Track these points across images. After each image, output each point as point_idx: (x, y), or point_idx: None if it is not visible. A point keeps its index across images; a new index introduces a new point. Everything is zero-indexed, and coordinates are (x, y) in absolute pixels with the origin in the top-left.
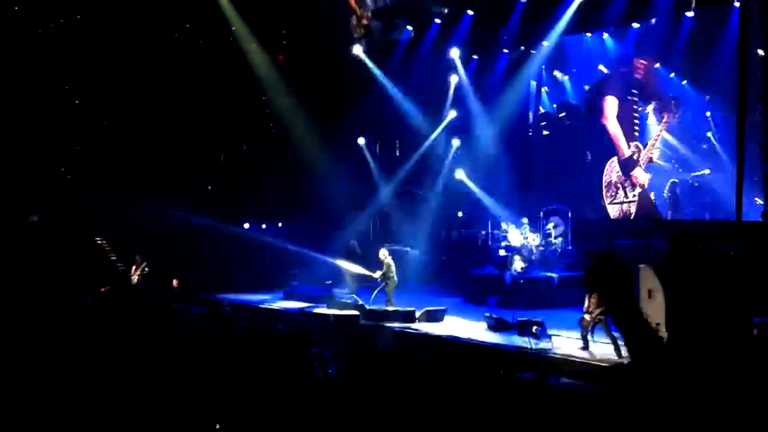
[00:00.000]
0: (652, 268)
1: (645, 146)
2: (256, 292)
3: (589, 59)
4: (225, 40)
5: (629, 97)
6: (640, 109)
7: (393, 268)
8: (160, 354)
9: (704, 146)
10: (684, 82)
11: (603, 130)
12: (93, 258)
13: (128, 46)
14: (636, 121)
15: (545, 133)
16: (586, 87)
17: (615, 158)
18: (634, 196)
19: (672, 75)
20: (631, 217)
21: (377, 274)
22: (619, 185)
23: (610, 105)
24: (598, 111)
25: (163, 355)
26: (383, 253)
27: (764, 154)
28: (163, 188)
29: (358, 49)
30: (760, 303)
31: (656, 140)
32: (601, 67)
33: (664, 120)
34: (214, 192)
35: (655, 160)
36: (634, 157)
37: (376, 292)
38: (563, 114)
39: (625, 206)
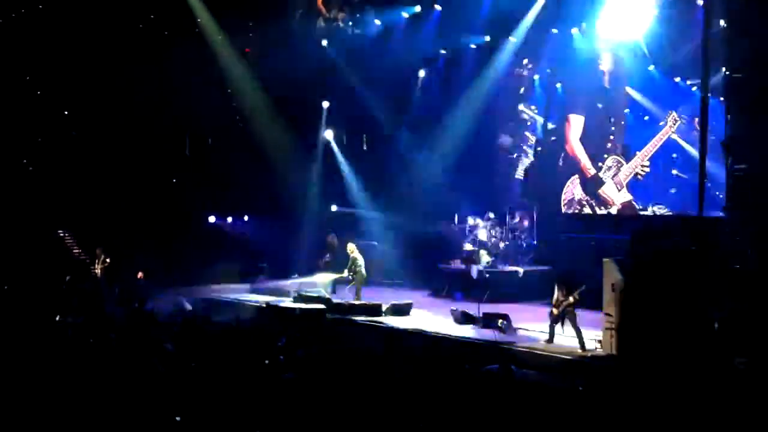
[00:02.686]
0: (615, 262)
1: (629, 161)
2: (222, 286)
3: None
4: (191, 32)
5: (599, 104)
6: (611, 120)
7: (360, 262)
8: (122, 350)
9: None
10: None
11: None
12: (56, 252)
13: (91, 36)
14: (612, 137)
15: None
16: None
17: (577, 176)
18: (608, 213)
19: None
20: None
21: (345, 272)
22: (584, 202)
23: (575, 124)
24: (561, 137)
25: (126, 350)
26: (350, 248)
27: (726, 150)
28: (128, 180)
29: (324, 43)
30: (720, 298)
31: (648, 154)
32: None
33: (668, 129)
34: (179, 185)
35: (640, 177)
36: (602, 174)
37: (348, 287)
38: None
39: (602, 214)
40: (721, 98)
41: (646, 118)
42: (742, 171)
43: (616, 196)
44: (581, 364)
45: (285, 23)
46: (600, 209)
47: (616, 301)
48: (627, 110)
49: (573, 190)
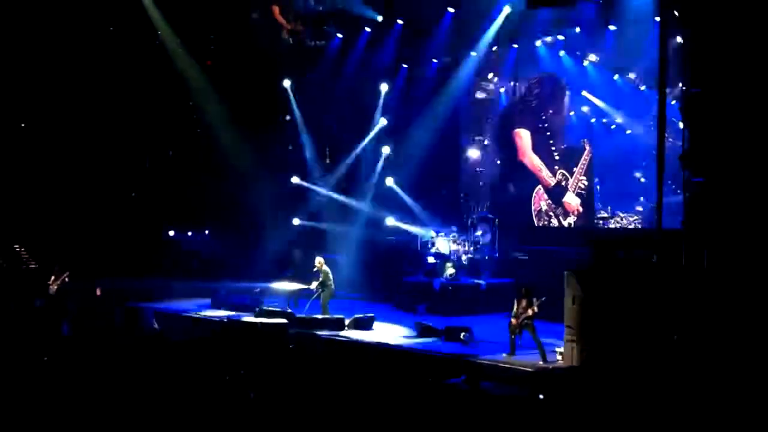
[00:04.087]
0: (575, 274)
1: (572, 174)
2: (182, 301)
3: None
4: (150, 44)
5: (540, 125)
6: (550, 139)
7: (330, 276)
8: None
9: None
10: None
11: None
12: (9, 266)
13: (51, 48)
14: (553, 149)
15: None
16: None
17: (540, 186)
18: (569, 225)
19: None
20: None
21: (314, 285)
22: (551, 214)
23: (524, 139)
24: (511, 148)
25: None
26: (319, 261)
27: (683, 164)
28: (86, 194)
29: (286, 83)
30: (680, 309)
31: (583, 168)
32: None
33: (587, 150)
34: (138, 198)
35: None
36: (562, 183)
37: (311, 300)
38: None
39: (563, 228)
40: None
41: (597, 120)
42: (699, 185)
43: (576, 205)
44: (543, 375)
45: (246, 35)
46: (564, 219)
47: (576, 313)
48: (572, 112)
49: (539, 201)
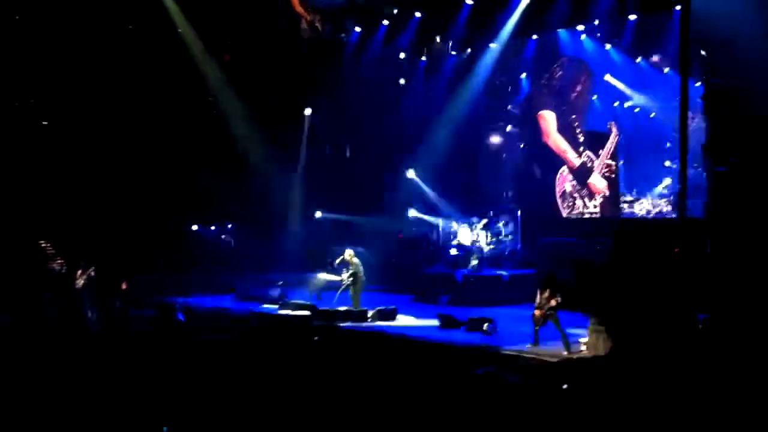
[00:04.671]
0: (599, 264)
1: (598, 156)
2: (206, 294)
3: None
4: (170, 41)
5: (564, 108)
6: (575, 121)
7: (361, 268)
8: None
9: None
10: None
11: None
12: (35, 262)
13: (72, 49)
14: (578, 131)
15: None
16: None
17: (565, 167)
18: (595, 207)
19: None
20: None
21: (345, 276)
22: (575, 195)
23: (549, 120)
24: (536, 130)
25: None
26: (349, 254)
27: (705, 155)
28: (112, 192)
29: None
30: (703, 298)
31: (609, 151)
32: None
33: (614, 133)
34: (162, 194)
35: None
36: (588, 165)
37: (339, 293)
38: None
39: (586, 218)
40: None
41: (621, 103)
42: (723, 173)
43: (602, 187)
44: (567, 365)
45: (266, 30)
46: (590, 201)
47: (600, 303)
48: (594, 96)
49: (564, 182)
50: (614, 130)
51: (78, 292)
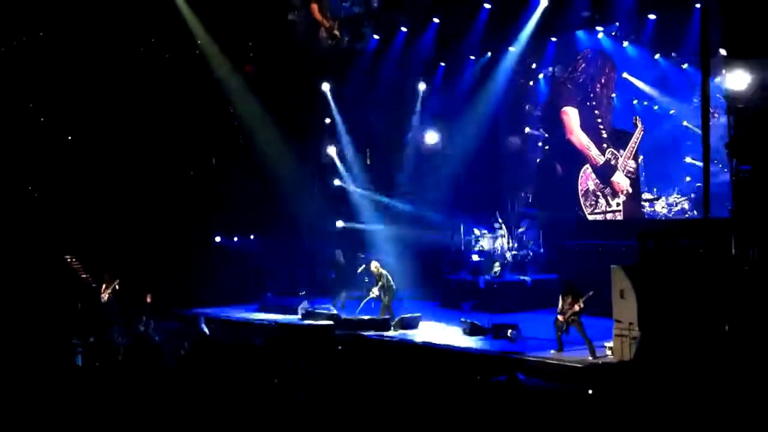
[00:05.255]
0: (623, 268)
1: (621, 152)
2: (230, 305)
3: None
4: (190, 53)
5: (588, 103)
6: (598, 117)
7: (390, 278)
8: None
9: None
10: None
11: (568, 143)
12: (62, 276)
13: (93, 61)
14: (601, 127)
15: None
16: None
17: (588, 166)
18: (618, 205)
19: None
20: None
21: (375, 291)
22: (598, 193)
23: (572, 117)
24: (558, 127)
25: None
26: (375, 266)
27: (729, 152)
28: (134, 203)
29: (325, 86)
30: (730, 299)
31: (633, 147)
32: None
33: (639, 128)
34: (184, 205)
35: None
36: (611, 162)
37: (363, 302)
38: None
39: (609, 216)
40: None
41: (639, 101)
42: (747, 172)
43: (625, 185)
44: (592, 371)
45: (285, 39)
46: (613, 199)
47: (625, 307)
48: (613, 95)
49: (586, 181)
50: (639, 124)
51: (103, 306)
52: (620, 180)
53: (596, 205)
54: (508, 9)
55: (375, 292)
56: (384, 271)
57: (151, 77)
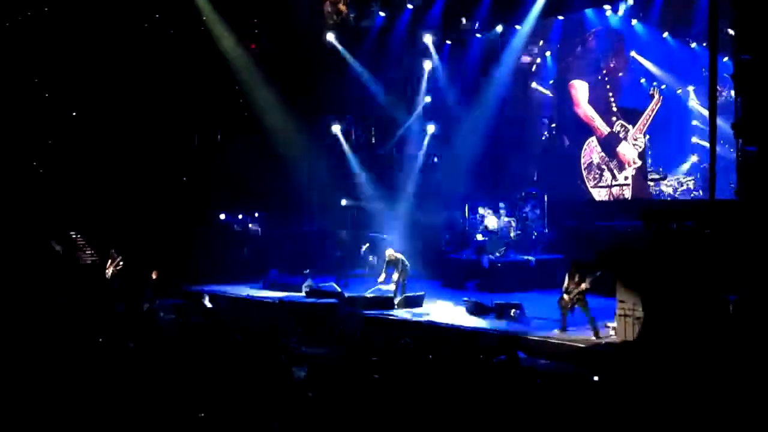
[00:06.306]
0: (627, 247)
1: (634, 124)
2: (234, 283)
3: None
4: (196, 29)
5: (598, 77)
6: (610, 91)
7: (405, 260)
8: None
9: None
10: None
11: (575, 116)
12: (66, 252)
13: (98, 36)
14: (612, 100)
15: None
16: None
17: (593, 138)
18: (626, 178)
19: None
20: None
21: (395, 277)
22: (603, 167)
23: (580, 90)
24: (568, 99)
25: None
26: (390, 252)
27: (736, 133)
28: (138, 180)
29: (331, 36)
30: (734, 281)
31: (650, 115)
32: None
33: (656, 98)
34: (189, 182)
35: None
36: (620, 135)
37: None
38: None
39: (615, 190)
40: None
41: (648, 81)
42: (753, 153)
43: (632, 156)
44: (596, 351)
45: (290, 16)
46: (620, 172)
47: (629, 288)
48: (621, 74)
49: (591, 153)
50: (656, 95)
51: (107, 282)
52: (627, 151)
53: (600, 178)
54: None
55: (395, 278)
56: (399, 255)
57: (157, 53)
